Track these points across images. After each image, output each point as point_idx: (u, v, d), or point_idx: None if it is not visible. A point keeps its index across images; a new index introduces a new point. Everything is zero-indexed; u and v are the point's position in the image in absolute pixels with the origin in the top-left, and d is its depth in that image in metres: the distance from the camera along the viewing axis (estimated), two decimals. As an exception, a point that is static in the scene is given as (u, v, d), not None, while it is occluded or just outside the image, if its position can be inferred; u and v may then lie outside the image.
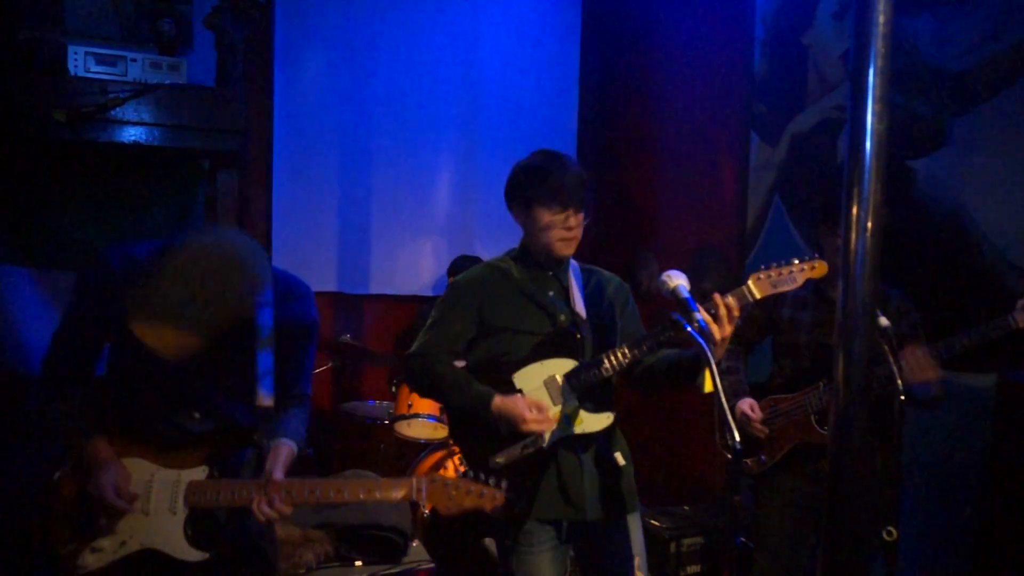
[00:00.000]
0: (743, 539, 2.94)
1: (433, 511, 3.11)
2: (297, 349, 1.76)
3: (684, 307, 1.60)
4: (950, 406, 2.38)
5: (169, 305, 1.41)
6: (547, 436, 1.88)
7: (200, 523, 1.62)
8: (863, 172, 0.99)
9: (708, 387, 1.76)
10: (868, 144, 0.99)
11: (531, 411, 1.83)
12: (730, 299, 1.75)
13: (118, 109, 2.80)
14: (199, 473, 1.63)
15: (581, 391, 1.92)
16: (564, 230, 1.93)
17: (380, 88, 4.29)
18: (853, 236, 1.00)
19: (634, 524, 2.00)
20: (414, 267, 4.46)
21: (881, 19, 0.97)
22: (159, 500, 1.61)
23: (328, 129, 4.23)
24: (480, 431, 1.91)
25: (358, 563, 2.70)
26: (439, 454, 3.42)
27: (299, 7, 4.12)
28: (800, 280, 1.87)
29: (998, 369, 2.44)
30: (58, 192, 2.90)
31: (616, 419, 2.00)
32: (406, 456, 3.59)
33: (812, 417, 2.31)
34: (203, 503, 1.61)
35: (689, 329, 1.54)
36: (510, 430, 1.85)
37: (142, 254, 1.57)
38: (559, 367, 1.93)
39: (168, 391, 1.65)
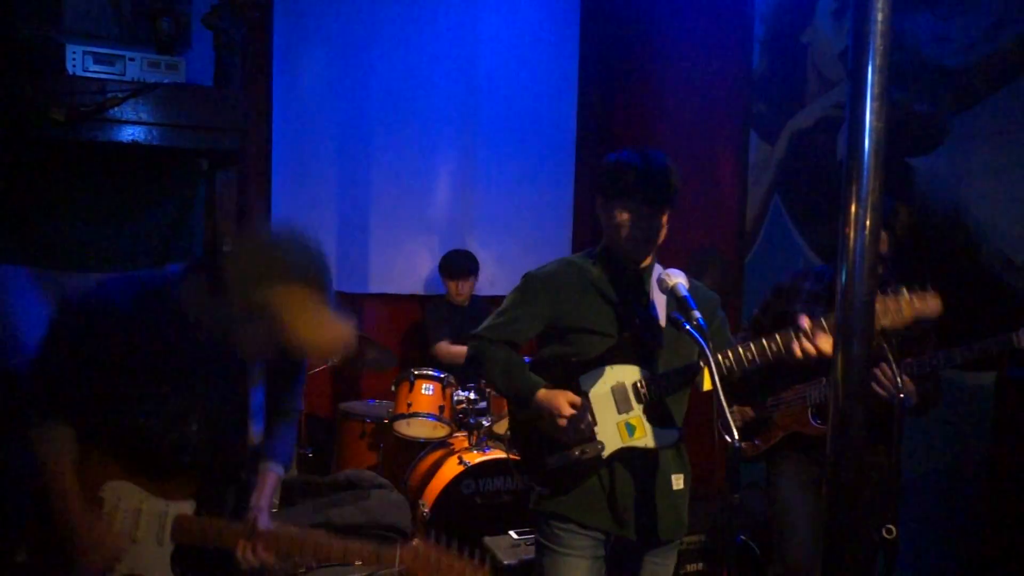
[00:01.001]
0: (743, 537, 2.94)
1: (433, 511, 3.12)
2: (292, 368, 1.74)
3: (683, 305, 1.59)
4: (950, 403, 2.38)
5: (318, 286, 1.36)
6: (606, 445, 1.81)
7: (186, 556, 1.60)
8: (862, 170, 0.99)
9: (707, 385, 1.76)
10: (867, 142, 0.99)
11: (570, 407, 1.76)
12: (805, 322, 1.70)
13: (116, 108, 2.80)
14: (187, 507, 1.61)
15: (648, 402, 1.83)
16: (639, 230, 1.83)
17: (379, 86, 4.28)
18: (852, 234, 1.00)
19: (672, 554, 1.95)
20: (413, 265, 4.46)
21: (880, 17, 0.97)
22: (147, 529, 1.59)
23: (327, 128, 4.22)
24: (540, 430, 1.85)
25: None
26: (438, 453, 3.42)
27: (298, 6, 4.11)
28: (907, 315, 1.75)
29: (997, 367, 2.44)
30: (56, 191, 2.90)
31: (682, 436, 1.91)
32: (405, 455, 3.59)
33: (809, 410, 2.33)
34: (188, 539, 1.60)
35: (688, 327, 1.54)
36: (550, 425, 1.78)
37: (115, 294, 1.52)
38: (628, 374, 1.84)
39: (167, 406, 1.61)
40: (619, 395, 1.83)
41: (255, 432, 1.61)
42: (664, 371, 1.84)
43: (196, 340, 1.52)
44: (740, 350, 1.78)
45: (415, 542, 1.62)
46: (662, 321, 1.86)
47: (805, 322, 1.72)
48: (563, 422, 1.76)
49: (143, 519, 1.59)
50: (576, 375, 1.85)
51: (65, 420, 1.59)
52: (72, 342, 1.53)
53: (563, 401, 1.77)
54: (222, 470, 1.65)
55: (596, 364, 1.85)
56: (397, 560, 1.59)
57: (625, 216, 1.82)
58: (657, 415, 1.85)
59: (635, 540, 1.85)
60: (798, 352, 1.72)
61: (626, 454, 1.83)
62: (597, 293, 1.88)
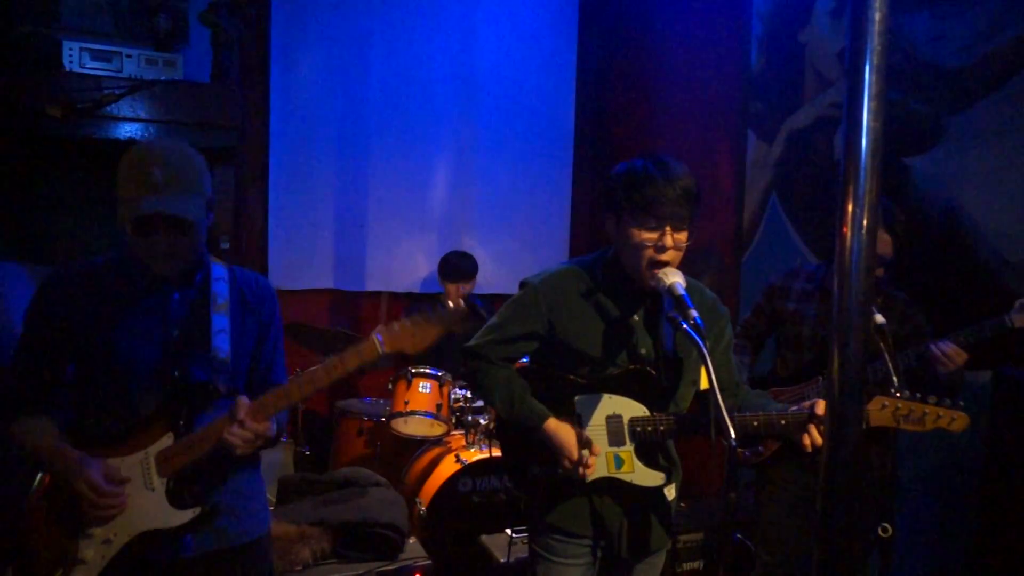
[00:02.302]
0: (740, 535, 2.95)
1: (430, 509, 3.12)
2: (269, 342, 1.76)
3: (680, 305, 1.58)
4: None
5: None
6: (590, 475, 1.74)
7: (180, 486, 1.59)
8: (859, 169, 0.99)
9: (704, 384, 1.76)
10: (864, 141, 0.99)
11: (579, 452, 1.69)
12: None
13: (113, 105, 2.80)
14: (165, 442, 1.59)
15: (641, 441, 1.75)
16: (657, 251, 1.66)
17: (376, 84, 4.28)
18: (848, 233, 1.00)
19: (662, 554, 1.91)
20: (410, 264, 4.46)
21: (877, 16, 0.97)
22: (133, 485, 1.58)
23: (324, 125, 4.21)
24: (527, 438, 1.80)
25: (355, 560, 2.70)
26: (436, 451, 3.42)
27: (296, 3, 4.10)
28: (930, 426, 1.73)
29: (994, 365, 2.45)
30: (52, 188, 2.89)
31: (673, 470, 1.84)
32: (403, 453, 3.59)
33: None
34: (176, 466, 1.58)
35: (685, 326, 1.53)
36: (552, 453, 1.74)
37: (71, 265, 1.64)
38: (627, 408, 1.75)
39: (137, 376, 1.62)
40: (613, 427, 1.75)
41: (218, 348, 1.61)
42: (664, 414, 1.75)
43: (137, 281, 1.62)
44: (748, 417, 1.70)
45: (392, 323, 1.58)
46: (669, 346, 1.77)
47: (821, 408, 1.62)
48: (568, 464, 1.71)
49: (129, 475, 1.58)
50: (572, 395, 1.77)
51: (44, 413, 1.62)
52: (40, 324, 1.61)
53: (575, 443, 1.70)
54: (191, 394, 1.63)
55: (595, 388, 1.76)
56: (379, 347, 1.56)
57: (645, 238, 1.66)
58: (649, 455, 1.77)
59: (624, 557, 1.82)
60: (807, 444, 1.65)
61: (613, 486, 1.77)
62: (599, 312, 1.77)
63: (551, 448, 1.74)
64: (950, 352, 2.17)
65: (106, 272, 1.64)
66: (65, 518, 1.57)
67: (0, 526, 1.83)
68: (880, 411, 1.73)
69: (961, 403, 1.75)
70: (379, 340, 1.58)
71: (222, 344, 1.63)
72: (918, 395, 1.75)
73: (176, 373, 1.61)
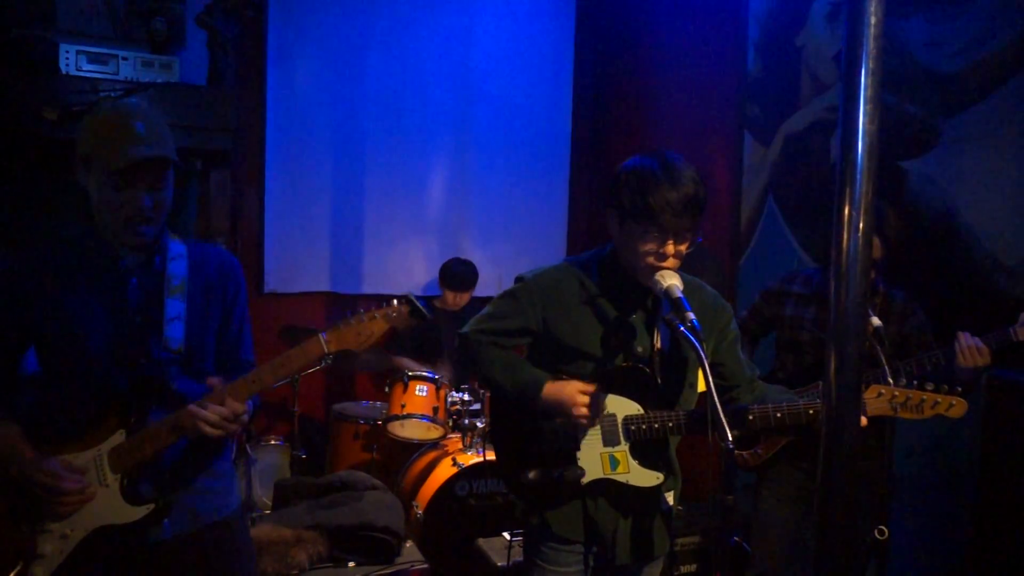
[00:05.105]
0: (737, 539, 2.95)
1: (427, 512, 3.12)
2: (235, 320, 1.72)
3: (678, 307, 1.58)
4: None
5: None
6: (586, 472, 1.72)
7: (134, 482, 1.58)
8: (855, 172, 1.00)
9: (701, 386, 1.76)
10: (860, 145, 0.99)
11: (582, 396, 1.66)
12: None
13: (110, 108, 2.78)
14: (117, 439, 1.57)
15: (636, 440, 1.73)
16: (658, 258, 1.64)
17: (373, 87, 4.28)
18: (845, 236, 1.00)
19: (656, 569, 1.88)
20: (407, 266, 4.46)
21: (873, 21, 0.97)
22: (87, 480, 1.56)
23: (321, 128, 4.22)
24: (521, 441, 1.79)
25: (351, 564, 2.70)
26: (432, 454, 3.42)
27: (292, 6, 4.10)
28: (928, 413, 1.71)
29: (989, 368, 2.45)
30: (49, 190, 2.89)
31: (671, 476, 1.81)
32: (399, 457, 3.59)
33: None
34: (129, 462, 1.56)
35: (682, 328, 1.53)
36: (558, 416, 1.70)
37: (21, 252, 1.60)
38: (621, 407, 1.73)
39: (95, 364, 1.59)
40: (608, 426, 1.73)
41: (170, 338, 1.57)
42: (660, 413, 1.73)
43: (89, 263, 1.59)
44: (771, 409, 1.68)
45: (337, 322, 1.57)
46: (665, 347, 1.74)
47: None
48: (579, 412, 1.66)
49: (83, 471, 1.57)
50: None
51: (3, 410, 1.59)
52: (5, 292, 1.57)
53: (575, 391, 1.67)
54: (142, 388, 1.60)
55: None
56: (323, 345, 1.55)
57: (649, 244, 1.64)
58: (645, 455, 1.75)
59: (621, 564, 1.80)
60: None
61: (608, 488, 1.75)
62: (595, 311, 1.74)
63: (556, 410, 1.70)
64: (974, 347, 2.06)
65: (64, 256, 1.60)
66: (22, 514, 1.56)
67: None
68: (876, 399, 1.70)
69: (958, 388, 1.72)
70: (323, 338, 1.56)
71: (174, 333, 1.58)
72: (915, 382, 1.74)
73: (143, 362, 1.58)
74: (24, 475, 1.52)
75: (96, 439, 1.58)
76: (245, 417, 1.55)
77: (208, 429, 1.50)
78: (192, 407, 1.51)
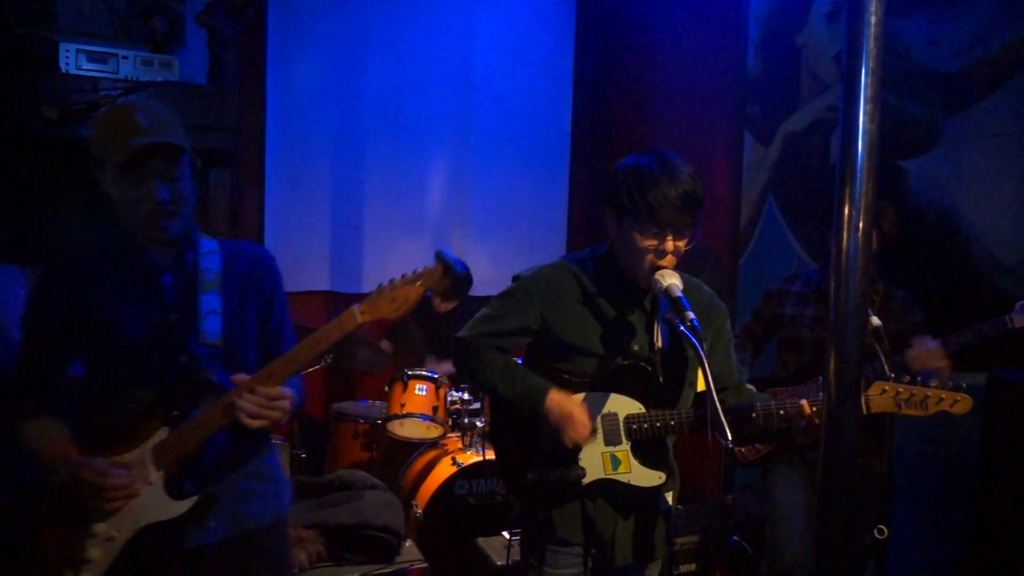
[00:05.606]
0: (736, 538, 2.95)
1: (426, 511, 3.12)
2: (276, 314, 1.72)
3: (677, 306, 1.58)
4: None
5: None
6: (587, 473, 1.72)
7: (177, 476, 1.57)
8: (855, 172, 1.00)
9: (701, 386, 1.76)
10: (860, 144, 0.99)
11: (585, 424, 1.66)
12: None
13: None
14: (160, 436, 1.57)
15: (637, 439, 1.73)
16: (657, 256, 1.65)
17: (373, 86, 4.28)
18: (845, 236, 1.00)
19: (654, 571, 1.88)
20: (407, 265, 4.36)
21: (873, 20, 0.97)
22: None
23: (321, 127, 4.21)
24: (522, 442, 1.77)
25: (351, 563, 2.69)
26: (432, 453, 3.42)
27: (292, 5, 4.10)
28: (932, 409, 1.71)
29: (988, 368, 2.46)
30: (49, 189, 2.89)
31: (671, 476, 1.81)
32: (399, 456, 3.59)
33: None
34: (172, 457, 1.56)
35: (682, 328, 1.53)
36: (554, 431, 1.68)
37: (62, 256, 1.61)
38: (622, 406, 1.72)
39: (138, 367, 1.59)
40: (609, 426, 1.72)
41: (206, 333, 1.57)
42: (661, 412, 1.72)
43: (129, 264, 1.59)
44: (745, 410, 1.71)
45: (371, 293, 1.57)
46: (664, 345, 1.74)
47: (807, 408, 1.66)
48: (583, 436, 1.66)
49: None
50: (568, 392, 1.73)
51: (51, 414, 1.60)
52: (38, 323, 1.59)
53: (583, 413, 1.66)
54: (181, 387, 1.60)
55: (589, 387, 1.73)
56: (358, 316, 1.55)
57: (647, 242, 1.64)
58: (646, 454, 1.74)
59: (620, 566, 1.79)
60: (802, 433, 1.68)
61: (608, 488, 1.74)
62: (592, 309, 1.74)
63: (556, 423, 1.67)
64: (928, 352, 2.06)
65: (98, 261, 1.61)
66: (71, 518, 1.56)
67: (5, 529, 1.82)
68: (880, 396, 1.70)
69: (964, 385, 1.72)
70: (357, 308, 1.56)
71: (211, 328, 1.58)
72: (918, 379, 1.74)
73: (183, 359, 1.58)
74: (72, 475, 1.52)
75: (140, 437, 1.58)
76: (286, 404, 1.53)
77: (248, 420, 1.50)
78: (230, 396, 1.51)
